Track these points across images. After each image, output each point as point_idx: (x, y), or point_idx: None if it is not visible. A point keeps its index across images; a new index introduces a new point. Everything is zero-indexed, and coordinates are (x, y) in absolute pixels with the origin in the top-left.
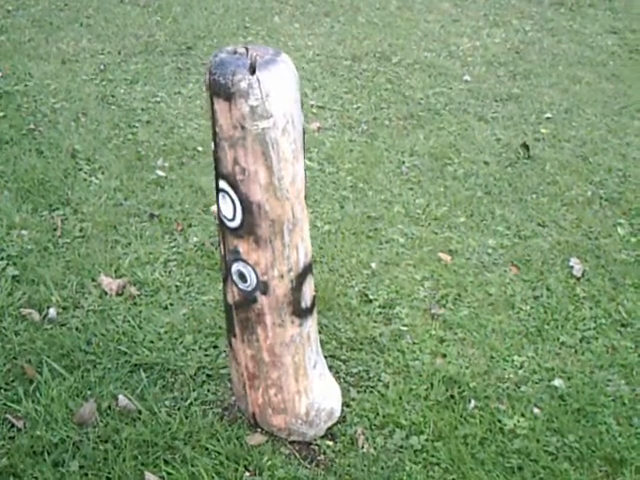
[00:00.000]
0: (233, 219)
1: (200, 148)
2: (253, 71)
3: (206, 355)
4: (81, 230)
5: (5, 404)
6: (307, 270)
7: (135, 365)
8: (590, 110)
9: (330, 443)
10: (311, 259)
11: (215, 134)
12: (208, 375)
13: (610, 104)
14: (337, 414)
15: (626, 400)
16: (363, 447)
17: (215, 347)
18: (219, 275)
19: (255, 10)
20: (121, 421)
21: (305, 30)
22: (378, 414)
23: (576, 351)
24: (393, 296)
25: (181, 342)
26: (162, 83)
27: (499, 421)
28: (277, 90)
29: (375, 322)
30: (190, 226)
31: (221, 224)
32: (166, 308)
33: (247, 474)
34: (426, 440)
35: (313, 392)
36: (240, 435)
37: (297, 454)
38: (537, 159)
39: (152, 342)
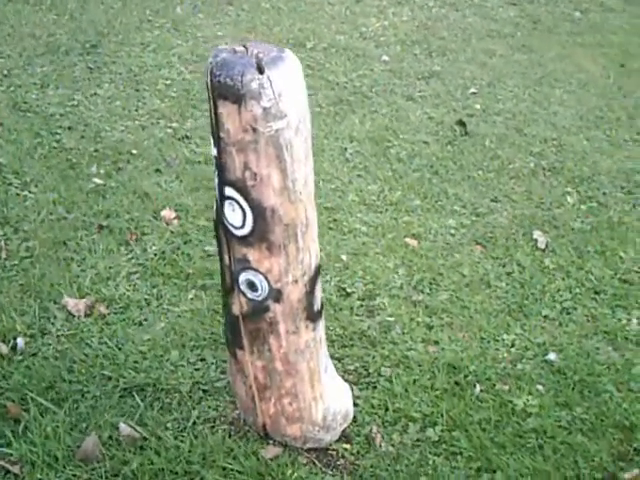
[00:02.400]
0: (242, 227)
1: (134, 151)
2: (260, 70)
3: (196, 370)
4: (27, 250)
5: None
6: (318, 271)
7: (125, 389)
8: (511, 82)
9: (347, 446)
10: (319, 259)
11: (219, 139)
12: (204, 391)
13: (528, 75)
14: (351, 415)
15: (619, 366)
16: (381, 446)
17: (202, 360)
18: (188, 284)
19: (155, 2)
20: (128, 451)
21: (211, 20)
22: (388, 409)
23: (560, 323)
24: (370, 287)
25: (167, 359)
26: (75, 85)
27: (509, 402)
28: (289, 88)
29: (359, 316)
30: (144, 234)
31: (226, 233)
32: (141, 324)
33: None
34: (442, 431)
35: (328, 396)
36: (255, 449)
37: (317, 462)
38: (474, 135)
39: (136, 362)
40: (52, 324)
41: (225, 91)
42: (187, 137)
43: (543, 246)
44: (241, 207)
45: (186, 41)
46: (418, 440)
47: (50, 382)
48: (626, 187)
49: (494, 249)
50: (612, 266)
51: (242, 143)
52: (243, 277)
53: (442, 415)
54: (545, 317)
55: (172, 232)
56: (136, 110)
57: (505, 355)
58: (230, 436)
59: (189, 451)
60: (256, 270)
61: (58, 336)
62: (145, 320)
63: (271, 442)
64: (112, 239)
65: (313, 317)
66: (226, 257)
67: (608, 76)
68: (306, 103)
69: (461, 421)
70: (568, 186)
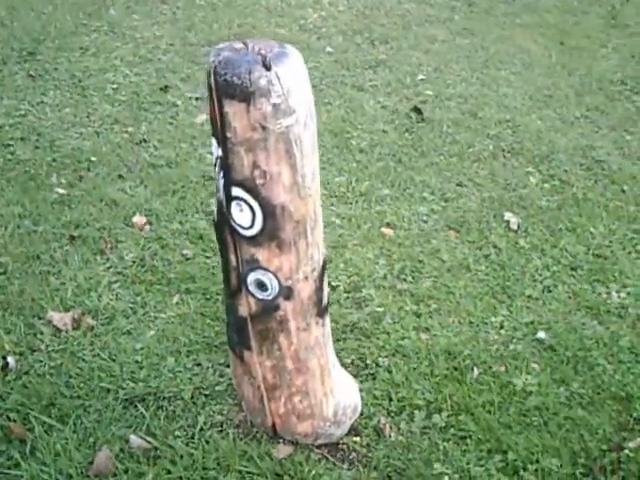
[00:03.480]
0: (251, 227)
1: (93, 158)
2: (267, 67)
3: (194, 375)
4: (1, 266)
5: (2, 472)
6: (325, 266)
7: (126, 400)
8: (457, 67)
9: (357, 439)
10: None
11: (225, 140)
12: (206, 395)
13: (473, 58)
14: (360, 408)
15: (606, 339)
16: (390, 436)
17: (198, 365)
18: (170, 289)
19: (86, 4)
20: (141, 463)
21: (147, 20)
22: (392, 399)
23: (544, 302)
24: (355, 279)
25: (164, 366)
26: (19, 94)
27: (509, 382)
28: (296, 83)
29: (347, 308)
30: (119, 242)
31: (232, 234)
32: (130, 334)
33: None
34: (448, 416)
35: (338, 391)
36: (267, 450)
37: (330, 457)
38: (430, 121)
39: (134, 372)
40: (40, 340)
41: (232, 90)
42: (145, 141)
43: (516, 227)
44: (250, 207)
45: (126, 43)
46: (425, 427)
47: (50, 399)
48: (585, 164)
49: (468, 233)
50: (584, 242)
51: (251, 142)
52: (252, 277)
53: (446, 400)
54: (529, 297)
55: (146, 238)
56: (87, 116)
57: (496, 337)
58: (240, 439)
59: (203, 457)
60: (266, 269)
61: (48, 352)
62: (134, 329)
63: (281, 441)
64: (86, 249)
65: (322, 313)
66: (232, 258)
67: (550, 55)
68: (312, 97)
69: (465, 405)
70: (529, 166)
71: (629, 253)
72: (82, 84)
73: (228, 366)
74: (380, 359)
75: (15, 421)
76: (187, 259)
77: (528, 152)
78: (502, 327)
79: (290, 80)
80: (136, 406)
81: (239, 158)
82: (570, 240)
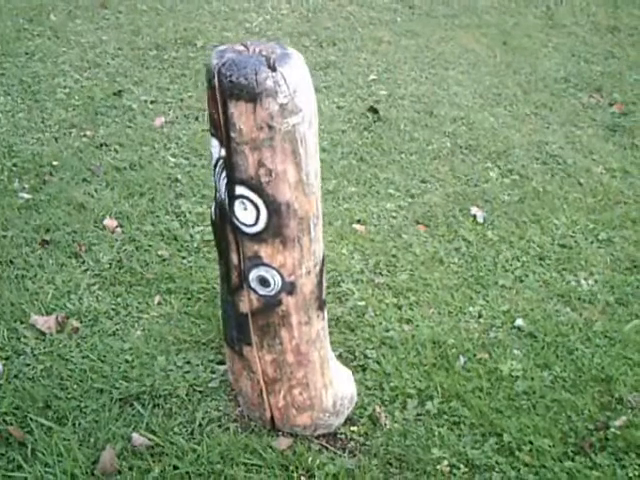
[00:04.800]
0: (255, 224)
1: (55, 162)
2: (272, 67)
3: (186, 372)
4: None
5: (5, 475)
6: (324, 260)
7: (121, 400)
8: (406, 67)
9: (354, 428)
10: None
11: (229, 140)
12: (200, 392)
13: (420, 59)
14: (356, 397)
15: (580, 325)
16: (386, 424)
17: (188, 363)
18: (151, 290)
19: (25, 10)
20: (145, 460)
21: (90, 25)
22: (384, 389)
23: (517, 291)
24: (333, 274)
25: (155, 365)
26: None
27: (496, 369)
28: (301, 83)
29: (330, 303)
30: (93, 245)
31: (235, 232)
32: (116, 334)
33: (303, 479)
34: (440, 403)
35: (336, 382)
36: (269, 443)
37: (330, 446)
38: (387, 120)
39: (125, 372)
40: (25, 344)
41: (239, 91)
42: (105, 145)
43: (482, 220)
44: (254, 205)
45: (71, 48)
46: (419, 414)
47: (45, 401)
48: (540, 158)
49: (437, 227)
50: (549, 233)
51: (257, 141)
52: (254, 274)
53: (436, 388)
54: (502, 286)
55: (119, 240)
56: (42, 122)
57: (476, 326)
58: (240, 433)
59: (208, 452)
60: (268, 265)
61: (35, 355)
62: (119, 330)
63: (280, 434)
64: (60, 253)
65: (322, 306)
66: (234, 256)
67: (494, 55)
68: (315, 96)
69: (456, 392)
70: (487, 162)
71: (591, 243)
72: (32, 89)
73: (219, 363)
74: (368, 351)
75: (12, 424)
76: (164, 260)
77: (485, 148)
78: (481, 316)
79: (295, 80)
80: (132, 405)
81: (244, 157)
82: (535, 232)
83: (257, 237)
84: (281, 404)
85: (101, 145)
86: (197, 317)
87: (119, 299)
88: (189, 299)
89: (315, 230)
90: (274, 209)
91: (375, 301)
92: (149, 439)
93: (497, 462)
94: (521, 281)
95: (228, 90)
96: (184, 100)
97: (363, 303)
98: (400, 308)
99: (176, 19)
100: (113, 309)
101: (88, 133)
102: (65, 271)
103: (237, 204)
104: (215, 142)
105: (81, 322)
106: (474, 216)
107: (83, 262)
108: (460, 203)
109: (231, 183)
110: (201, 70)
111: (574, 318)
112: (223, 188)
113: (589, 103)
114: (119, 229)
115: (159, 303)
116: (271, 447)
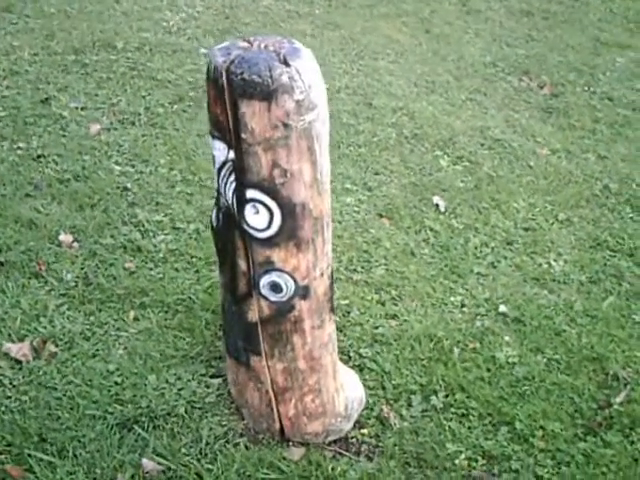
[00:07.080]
0: (267, 228)
1: None
2: (286, 63)
3: (181, 389)
4: None
5: None
6: (331, 260)
7: (118, 425)
8: (335, 59)
9: (364, 431)
10: None
11: (239, 141)
12: (199, 408)
13: (347, 51)
14: (364, 399)
15: (561, 306)
16: (395, 424)
17: (180, 379)
18: (124, 305)
19: None
20: None
21: None
22: (386, 388)
23: (494, 278)
24: None
25: (146, 385)
26: None
27: (492, 357)
28: (315, 78)
29: None
30: (52, 263)
31: (244, 237)
32: (97, 356)
33: None
34: (445, 396)
35: (346, 385)
36: (282, 454)
37: (344, 452)
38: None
39: (117, 395)
40: (2, 375)
41: (252, 89)
42: (43, 156)
43: (444, 209)
44: (267, 208)
45: None
46: (425, 410)
47: (39, 434)
48: (485, 144)
49: (401, 220)
50: (511, 217)
51: (271, 141)
52: (265, 280)
53: (438, 382)
54: (478, 274)
55: (79, 256)
56: None
57: (461, 316)
58: (251, 447)
59: (224, 471)
60: (281, 270)
61: (15, 386)
62: (99, 351)
63: (291, 444)
64: (19, 274)
65: (333, 308)
66: (242, 263)
67: (420, 43)
68: (326, 91)
69: (458, 383)
70: (436, 150)
71: (552, 224)
72: None
73: (212, 376)
74: (362, 350)
75: (9, 463)
76: (132, 273)
77: (430, 137)
78: (464, 305)
79: (310, 75)
80: (132, 429)
81: (256, 159)
82: (498, 217)
83: (269, 242)
84: (291, 413)
85: (38, 157)
86: (179, 330)
87: (92, 318)
88: (166, 312)
89: (328, 230)
90: (289, 211)
91: (357, 299)
92: (158, 463)
93: (514, 450)
94: (494, 267)
95: (239, 89)
96: (115, 105)
97: (346, 302)
98: (384, 304)
99: (89, 21)
100: (88, 329)
101: (21, 145)
102: (29, 293)
103: (248, 208)
104: (220, 145)
105: (57, 346)
106: (437, 206)
107: (46, 282)
108: (418, 193)
109: (241, 187)
110: (127, 73)
111: (554, 300)
112: (230, 193)
113: (520, 87)
114: (76, 244)
115: (135, 319)
116: (285, 458)
